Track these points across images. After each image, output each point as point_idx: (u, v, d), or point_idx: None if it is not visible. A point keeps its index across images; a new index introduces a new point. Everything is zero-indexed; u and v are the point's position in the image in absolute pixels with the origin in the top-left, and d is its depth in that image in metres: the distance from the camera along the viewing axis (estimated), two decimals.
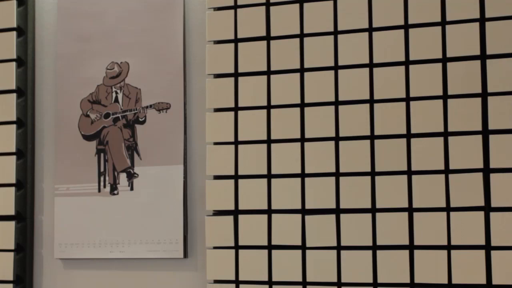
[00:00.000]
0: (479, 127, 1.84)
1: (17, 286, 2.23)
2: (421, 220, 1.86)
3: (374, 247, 1.90)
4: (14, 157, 2.27)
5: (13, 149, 2.27)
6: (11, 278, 2.22)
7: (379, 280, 1.88)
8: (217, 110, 2.07)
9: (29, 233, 2.27)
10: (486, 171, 1.83)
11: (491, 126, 1.83)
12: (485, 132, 1.84)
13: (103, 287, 2.21)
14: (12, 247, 2.23)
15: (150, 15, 2.21)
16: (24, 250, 2.26)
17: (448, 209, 1.85)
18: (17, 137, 2.28)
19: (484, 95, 1.85)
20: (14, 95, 2.28)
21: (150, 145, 2.17)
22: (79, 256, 2.22)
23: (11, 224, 2.24)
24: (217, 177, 2.06)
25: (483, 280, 1.81)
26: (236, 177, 2.03)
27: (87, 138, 2.25)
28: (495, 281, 1.80)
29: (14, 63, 2.29)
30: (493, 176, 1.82)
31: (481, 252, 1.81)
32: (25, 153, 2.29)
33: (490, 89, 1.84)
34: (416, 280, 1.85)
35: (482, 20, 1.87)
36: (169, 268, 2.14)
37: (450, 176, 1.85)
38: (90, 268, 2.23)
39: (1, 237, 2.24)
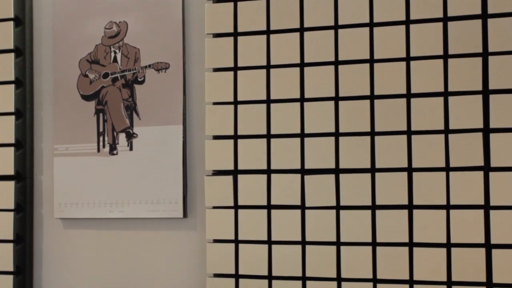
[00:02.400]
0: (479, 87, 1.84)
1: (17, 245, 2.24)
2: (421, 180, 1.86)
3: (373, 207, 1.90)
4: (13, 117, 2.26)
5: (12, 109, 2.26)
6: (11, 237, 2.23)
7: (378, 240, 1.89)
8: (216, 70, 2.06)
9: (28, 193, 2.28)
10: (486, 131, 1.83)
11: (491, 86, 1.82)
12: (486, 92, 1.83)
13: (102, 247, 2.22)
14: (12, 207, 2.24)
15: None
16: (24, 209, 2.27)
17: (447, 169, 1.85)
18: (15, 97, 2.27)
19: (485, 54, 1.84)
20: (12, 54, 2.27)
21: (149, 105, 2.17)
22: (78, 216, 2.22)
23: (11, 184, 2.25)
24: (216, 137, 2.05)
25: (481, 240, 1.81)
26: (235, 137, 2.03)
27: (86, 98, 2.24)
28: (493, 241, 1.80)
29: (12, 23, 2.28)
30: (492, 136, 1.81)
31: (480, 212, 1.82)
32: (24, 113, 2.28)
33: (491, 49, 1.83)
34: (415, 239, 1.86)
35: None
36: (169, 228, 2.15)
37: (450, 136, 1.85)
38: (90, 228, 2.24)
39: (1, 197, 2.25)
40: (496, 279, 1.80)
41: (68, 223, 2.26)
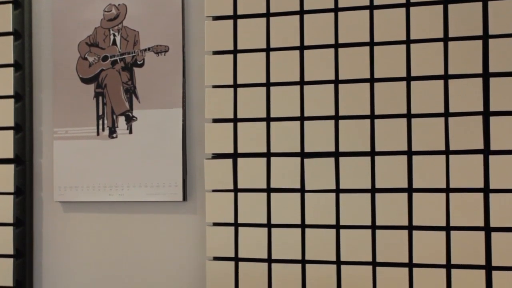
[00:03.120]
0: (479, 70, 1.83)
1: (17, 229, 2.24)
2: (420, 163, 1.86)
3: (373, 190, 1.90)
4: (12, 100, 2.26)
5: (11, 92, 2.26)
6: (11, 220, 2.23)
7: (378, 223, 1.89)
8: (216, 52, 2.05)
9: (28, 176, 2.28)
10: (486, 114, 1.83)
11: (491, 69, 1.82)
12: (486, 75, 1.83)
13: (102, 230, 2.22)
14: (12, 190, 2.24)
15: None
16: (24, 193, 2.27)
17: (447, 152, 1.84)
18: (14, 80, 2.26)
19: (485, 37, 1.83)
20: (11, 37, 2.26)
21: (148, 88, 2.16)
22: (78, 199, 2.22)
23: (10, 167, 2.24)
24: (216, 120, 2.05)
25: (481, 223, 1.81)
26: (235, 120, 2.02)
27: (85, 81, 2.23)
28: (493, 224, 1.80)
29: (10, 5, 2.27)
30: (493, 119, 1.81)
31: (480, 195, 1.82)
32: (23, 96, 2.28)
33: (491, 32, 1.82)
34: (415, 223, 1.86)
35: None
36: (168, 211, 2.15)
37: (450, 119, 1.84)
38: (90, 211, 2.24)
39: (0, 180, 2.25)
40: (495, 262, 1.80)
41: (67, 207, 2.26)
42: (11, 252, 2.23)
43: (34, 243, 2.29)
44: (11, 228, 2.23)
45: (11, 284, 2.23)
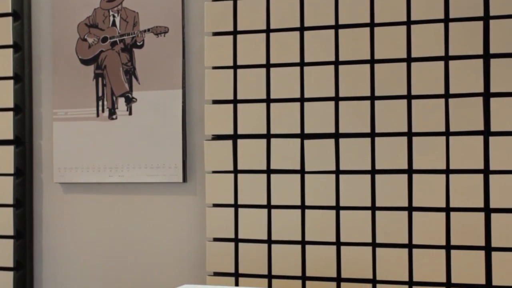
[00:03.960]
0: (480, 51, 1.82)
1: (17, 209, 2.24)
2: (420, 144, 1.86)
3: (373, 172, 1.90)
4: (11, 82, 2.25)
5: (10, 73, 2.25)
6: (11, 202, 2.23)
7: (378, 204, 1.89)
8: (216, 34, 2.05)
9: (28, 158, 2.28)
10: (486, 95, 1.82)
11: (492, 50, 1.81)
12: (486, 56, 1.82)
13: (102, 211, 2.23)
14: (12, 171, 2.24)
15: None
16: (24, 174, 2.27)
17: (447, 133, 1.84)
18: (14, 61, 2.26)
19: (486, 18, 1.83)
20: (10, 18, 2.26)
21: (148, 70, 2.16)
22: (78, 180, 2.23)
23: (10, 149, 2.24)
24: (216, 102, 2.05)
25: (480, 204, 1.82)
26: (234, 101, 2.02)
27: (85, 62, 2.23)
28: (492, 205, 1.80)
29: None
30: (493, 101, 1.81)
31: (480, 176, 1.82)
32: (22, 77, 2.27)
33: (492, 12, 1.81)
34: (415, 204, 1.86)
35: None
36: (168, 192, 2.15)
37: (450, 100, 1.84)
38: (90, 192, 2.24)
39: (0, 162, 2.25)
40: (495, 243, 1.80)
41: (67, 188, 2.27)
42: (11, 233, 2.23)
43: (34, 224, 2.29)
44: (11, 209, 2.23)
45: (11, 265, 2.23)
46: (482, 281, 1.81)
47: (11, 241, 2.23)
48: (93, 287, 2.23)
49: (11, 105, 2.25)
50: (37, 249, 2.29)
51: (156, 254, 2.16)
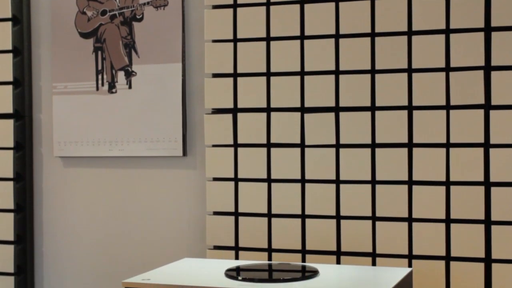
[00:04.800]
0: (481, 25, 1.81)
1: (17, 183, 2.25)
2: (421, 118, 1.85)
3: (373, 145, 1.90)
4: (10, 55, 2.24)
5: (9, 46, 2.24)
6: (11, 175, 2.23)
7: (378, 178, 1.89)
8: (216, 7, 2.04)
9: (28, 131, 2.27)
10: (487, 68, 1.82)
11: (493, 23, 1.80)
12: (488, 30, 1.81)
13: (102, 185, 2.23)
14: (12, 145, 2.24)
15: None
16: (24, 148, 2.27)
17: (448, 107, 1.84)
18: (13, 35, 2.24)
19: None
20: None
21: (148, 43, 2.15)
22: (78, 154, 2.23)
23: (10, 122, 2.24)
24: (215, 75, 2.04)
25: (481, 177, 1.81)
26: (235, 75, 2.02)
27: (84, 35, 2.22)
28: (492, 179, 1.80)
29: None
30: (494, 74, 1.80)
31: (480, 150, 1.82)
32: (21, 50, 2.26)
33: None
34: (415, 178, 1.86)
35: None
36: (169, 166, 2.15)
37: (451, 73, 1.83)
38: (90, 166, 2.24)
39: (0, 136, 2.24)
40: (494, 217, 1.80)
41: (67, 161, 2.27)
42: (11, 206, 2.23)
43: (35, 198, 2.29)
44: (11, 183, 2.24)
45: (12, 239, 2.24)
46: (481, 254, 1.81)
47: (11, 214, 2.23)
48: (92, 260, 2.24)
49: (10, 79, 2.24)
50: (37, 222, 2.29)
51: (156, 227, 2.17)
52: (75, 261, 2.26)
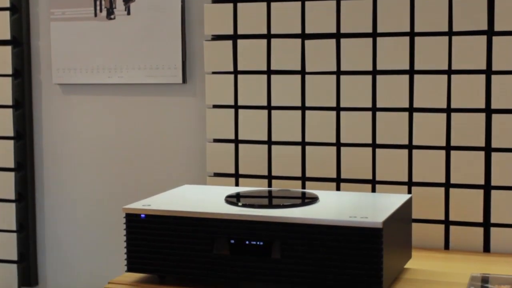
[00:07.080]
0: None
1: (16, 111, 2.24)
2: (422, 45, 1.83)
3: (374, 72, 1.89)
4: None
5: None
6: (10, 102, 2.22)
7: (378, 105, 1.88)
8: None
9: (26, 58, 2.25)
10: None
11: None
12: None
13: (101, 112, 2.22)
14: (10, 72, 2.22)
15: None
16: (22, 75, 2.25)
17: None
18: None
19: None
20: None
21: None
22: (77, 82, 2.21)
23: (8, 49, 2.22)
24: (215, 1, 2.01)
25: (482, 105, 1.80)
26: (235, 0, 1.99)
27: None
28: (494, 106, 1.79)
29: None
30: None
31: (482, 77, 1.80)
32: None
33: None
34: (415, 105, 1.85)
35: None
36: (168, 94, 2.14)
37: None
38: (89, 93, 2.23)
39: None
40: (494, 144, 1.80)
41: (67, 89, 2.25)
42: (11, 134, 2.23)
43: (34, 126, 2.29)
44: (10, 110, 2.23)
45: (12, 166, 2.24)
46: (481, 181, 1.82)
47: (11, 141, 2.23)
48: (92, 187, 2.25)
49: (7, 5, 2.21)
50: (38, 149, 2.29)
51: (156, 155, 2.17)
52: (75, 187, 2.26)
